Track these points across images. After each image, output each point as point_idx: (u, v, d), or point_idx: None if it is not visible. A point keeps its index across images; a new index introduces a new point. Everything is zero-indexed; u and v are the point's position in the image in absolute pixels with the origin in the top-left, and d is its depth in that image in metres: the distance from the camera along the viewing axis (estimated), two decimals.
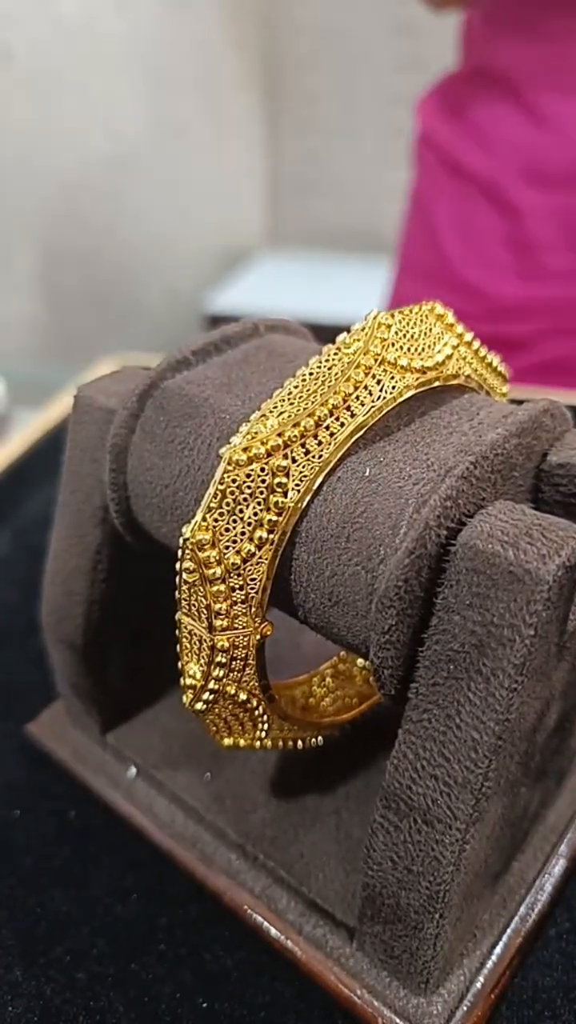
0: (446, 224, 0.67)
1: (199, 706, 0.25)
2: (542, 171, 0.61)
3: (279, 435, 0.21)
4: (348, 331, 0.23)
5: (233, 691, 0.24)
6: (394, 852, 0.23)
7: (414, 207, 0.71)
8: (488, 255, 0.65)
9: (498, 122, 0.62)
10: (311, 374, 0.23)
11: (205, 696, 0.24)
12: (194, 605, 0.23)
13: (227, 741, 0.26)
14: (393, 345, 0.23)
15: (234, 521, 0.22)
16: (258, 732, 0.26)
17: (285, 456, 0.21)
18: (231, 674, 0.24)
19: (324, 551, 0.22)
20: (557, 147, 0.60)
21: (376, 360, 0.22)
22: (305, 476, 0.22)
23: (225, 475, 0.22)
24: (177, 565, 0.23)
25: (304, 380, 0.23)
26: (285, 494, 0.22)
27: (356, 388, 0.22)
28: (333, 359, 0.23)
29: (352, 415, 0.22)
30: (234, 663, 0.24)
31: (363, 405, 0.22)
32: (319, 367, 0.23)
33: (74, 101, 1.12)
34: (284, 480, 0.21)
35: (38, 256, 1.15)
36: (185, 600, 0.23)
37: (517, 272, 0.64)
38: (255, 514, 0.22)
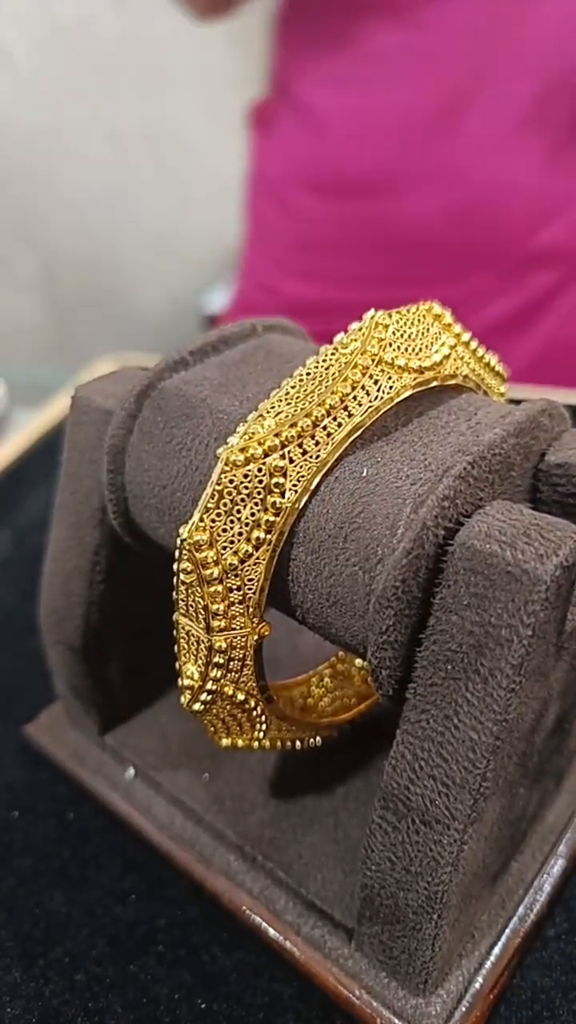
0: (250, 225, 0.72)
1: (197, 707, 0.25)
2: (319, 178, 0.64)
3: (276, 435, 0.21)
4: (345, 331, 0.23)
5: (231, 691, 0.24)
6: (392, 853, 0.22)
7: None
8: (279, 257, 0.69)
9: (285, 130, 0.65)
10: (308, 374, 0.23)
11: (203, 697, 0.24)
12: (191, 606, 0.23)
13: (225, 742, 0.26)
14: (390, 345, 0.22)
15: (231, 522, 0.22)
16: (256, 732, 0.26)
17: (282, 456, 0.21)
18: (229, 674, 0.24)
19: (322, 551, 0.22)
20: (331, 156, 0.63)
21: (373, 360, 0.22)
22: (303, 476, 0.22)
23: (222, 475, 0.21)
24: (174, 566, 0.23)
25: (301, 380, 0.23)
26: (282, 494, 0.22)
27: (353, 388, 0.22)
28: (330, 359, 0.23)
29: (349, 415, 0.22)
30: (232, 664, 0.24)
31: (360, 405, 0.22)
32: (316, 367, 0.23)
33: (72, 101, 1.12)
34: (281, 480, 0.21)
35: (37, 257, 1.15)
36: (182, 601, 0.23)
37: (301, 273, 0.68)
38: (252, 514, 0.22)
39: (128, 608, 0.31)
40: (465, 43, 0.56)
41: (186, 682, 0.24)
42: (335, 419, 0.22)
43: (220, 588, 0.22)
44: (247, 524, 0.22)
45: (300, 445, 0.22)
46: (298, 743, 0.28)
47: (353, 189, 0.62)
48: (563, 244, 0.62)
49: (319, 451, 0.22)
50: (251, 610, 0.23)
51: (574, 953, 0.28)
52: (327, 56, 0.60)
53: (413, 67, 0.57)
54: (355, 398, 0.22)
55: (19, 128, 1.03)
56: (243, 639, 0.23)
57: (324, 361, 0.23)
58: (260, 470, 0.21)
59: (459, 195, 0.60)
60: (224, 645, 0.23)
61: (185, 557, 0.22)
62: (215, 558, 0.22)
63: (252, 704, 0.25)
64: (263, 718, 0.26)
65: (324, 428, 0.22)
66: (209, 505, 0.22)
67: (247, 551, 0.22)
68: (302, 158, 0.64)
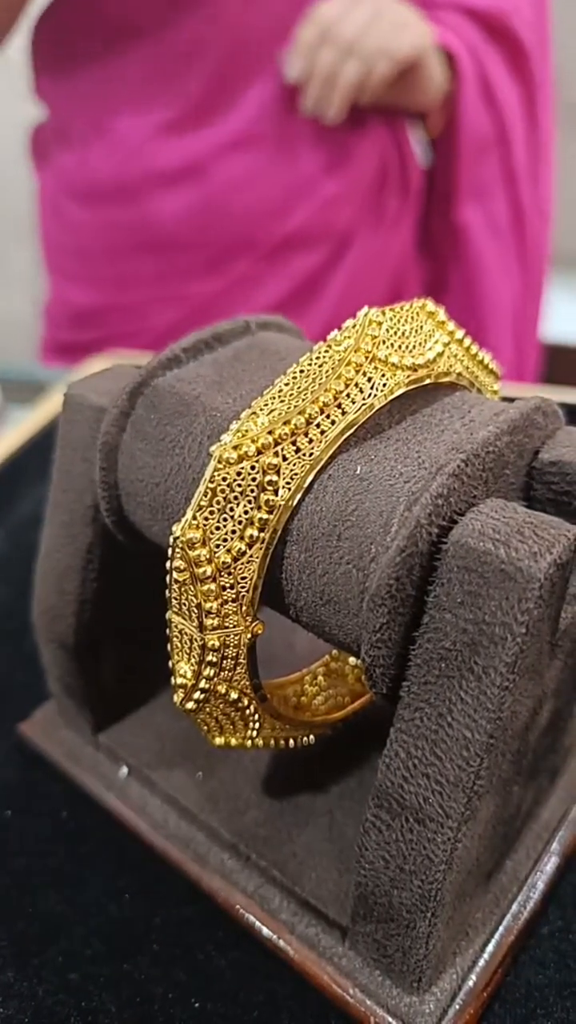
0: (42, 242, 0.75)
1: (190, 705, 0.24)
2: (79, 188, 0.68)
3: (270, 433, 0.21)
4: (339, 328, 0.23)
5: (224, 690, 0.24)
6: (386, 851, 0.22)
7: None
8: (63, 266, 0.73)
9: (53, 150, 0.70)
10: (302, 372, 0.23)
11: (196, 695, 0.24)
12: (184, 604, 0.23)
13: (218, 740, 0.26)
14: (384, 342, 0.22)
15: (225, 519, 0.22)
16: (249, 731, 0.26)
17: (276, 454, 0.21)
18: (222, 673, 0.24)
19: (315, 549, 0.22)
20: (86, 165, 0.66)
21: (367, 358, 0.22)
22: (296, 474, 0.22)
23: (215, 473, 0.21)
24: (167, 564, 0.23)
25: (295, 378, 0.23)
26: (276, 492, 0.21)
27: (347, 386, 0.22)
28: (324, 356, 0.23)
29: (343, 413, 0.22)
30: (225, 662, 0.24)
31: (354, 403, 0.22)
32: (310, 365, 0.23)
33: None
34: (275, 478, 0.21)
35: (33, 255, 1.14)
36: (175, 599, 0.23)
37: (81, 280, 0.72)
38: (246, 512, 0.22)
39: (121, 606, 0.31)
40: (197, 55, 0.60)
41: (179, 681, 0.24)
42: (329, 417, 0.22)
43: (213, 586, 0.22)
44: (240, 522, 0.22)
45: (294, 443, 0.21)
46: (292, 742, 0.28)
47: (106, 195, 0.67)
48: (313, 225, 0.66)
49: (313, 449, 0.22)
50: (244, 608, 0.23)
51: (568, 950, 0.28)
52: (77, 74, 0.64)
53: (150, 80, 0.62)
54: (349, 395, 0.22)
55: (17, 125, 1.02)
56: (236, 637, 0.23)
57: (318, 359, 0.23)
58: (253, 468, 0.21)
59: (201, 192, 0.64)
60: (217, 643, 0.23)
61: (178, 555, 0.22)
62: (208, 556, 0.22)
63: (245, 703, 0.25)
64: (256, 717, 0.26)
65: (318, 426, 0.22)
66: (202, 503, 0.22)
67: (240, 549, 0.22)
68: (66, 170, 0.68)
